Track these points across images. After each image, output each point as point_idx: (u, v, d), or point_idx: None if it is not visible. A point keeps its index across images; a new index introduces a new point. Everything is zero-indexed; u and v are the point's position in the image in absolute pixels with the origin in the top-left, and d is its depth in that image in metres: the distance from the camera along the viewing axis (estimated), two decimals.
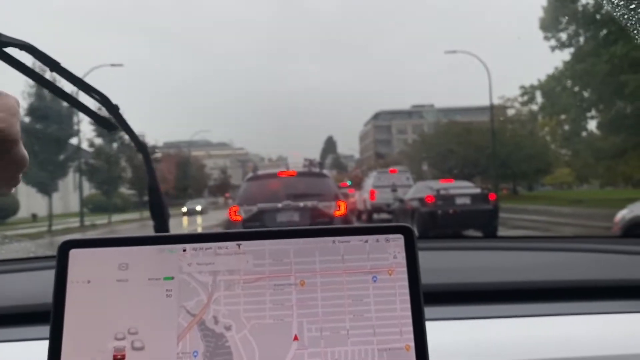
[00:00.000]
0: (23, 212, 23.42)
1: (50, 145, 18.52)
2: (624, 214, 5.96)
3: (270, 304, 0.60)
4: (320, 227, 0.63)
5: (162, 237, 0.62)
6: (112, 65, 22.80)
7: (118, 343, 0.58)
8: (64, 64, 0.73)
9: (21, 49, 0.66)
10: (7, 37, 0.64)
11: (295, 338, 0.59)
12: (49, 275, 0.67)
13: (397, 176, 17.53)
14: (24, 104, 18.85)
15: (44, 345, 0.59)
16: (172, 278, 0.60)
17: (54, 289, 0.59)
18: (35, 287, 0.81)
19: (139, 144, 0.84)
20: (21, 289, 0.83)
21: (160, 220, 0.84)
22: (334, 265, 0.62)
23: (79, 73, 0.76)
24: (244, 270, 0.61)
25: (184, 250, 0.61)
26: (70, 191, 27.55)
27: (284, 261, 0.62)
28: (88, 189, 25.03)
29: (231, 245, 0.62)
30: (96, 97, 0.79)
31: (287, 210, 6.83)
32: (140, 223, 20.85)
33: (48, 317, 0.61)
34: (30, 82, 19.01)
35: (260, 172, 7.83)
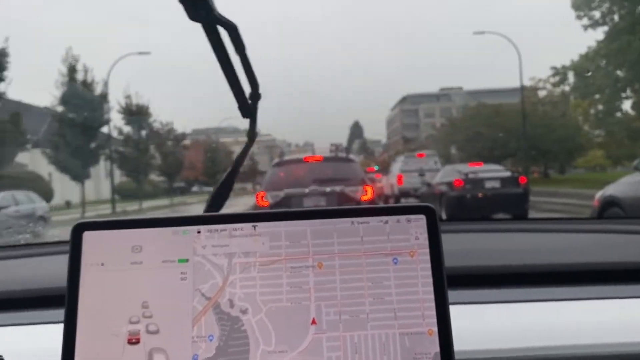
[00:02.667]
0: (57, 199, 23.99)
1: (82, 134, 18.86)
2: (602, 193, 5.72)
3: (287, 286, 0.58)
4: (338, 207, 0.61)
5: (176, 219, 0.60)
6: (140, 53, 23.03)
7: (133, 326, 0.57)
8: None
9: (224, 27, 0.78)
10: (219, 14, 0.76)
11: (313, 322, 0.57)
12: (64, 259, 0.67)
13: (425, 160, 17.35)
14: (57, 94, 19.23)
15: (59, 328, 0.58)
16: (187, 260, 0.59)
17: (68, 272, 0.59)
18: (50, 270, 0.80)
19: (252, 133, 0.90)
20: (36, 273, 0.83)
21: (219, 202, 0.85)
22: (353, 247, 0.59)
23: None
24: (259, 252, 0.59)
25: (199, 232, 0.60)
26: (102, 178, 28.10)
27: (301, 243, 0.59)
28: (119, 176, 25.48)
29: (246, 226, 0.60)
30: (254, 85, 0.86)
31: (313, 195, 6.82)
32: (170, 209, 21.13)
33: (63, 300, 0.60)
34: (63, 71, 19.37)
35: (286, 158, 7.83)
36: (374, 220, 0.60)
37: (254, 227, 0.60)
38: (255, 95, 0.88)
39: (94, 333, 0.57)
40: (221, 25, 0.78)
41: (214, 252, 0.59)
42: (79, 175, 19.49)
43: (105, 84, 20.39)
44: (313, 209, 0.61)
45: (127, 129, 23.40)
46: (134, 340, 0.57)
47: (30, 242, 1.01)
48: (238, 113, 0.87)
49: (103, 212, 19.61)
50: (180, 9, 0.75)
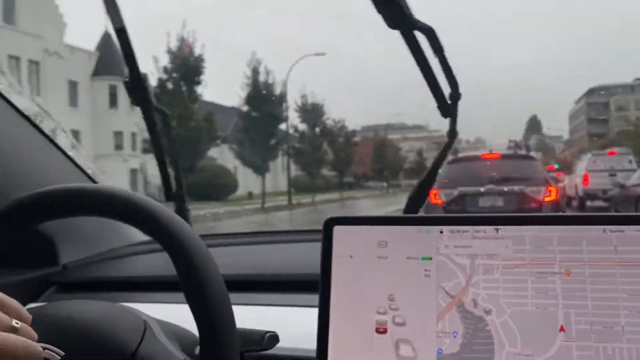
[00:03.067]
0: (241, 190, 26.23)
1: (263, 131, 20.41)
2: None
3: (532, 291, 0.58)
4: (586, 214, 0.59)
5: (420, 218, 0.63)
6: (316, 54, 24.18)
7: (380, 317, 0.61)
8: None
9: (422, 32, 0.81)
10: (416, 19, 0.79)
11: (562, 329, 0.56)
12: (312, 247, 0.74)
13: (617, 159, 15.60)
14: (242, 94, 21.05)
15: (311, 311, 0.65)
16: (430, 258, 0.62)
17: (321, 262, 0.65)
18: (301, 257, 0.89)
19: (453, 132, 0.92)
20: (290, 258, 0.93)
21: (418, 202, 0.88)
22: (606, 256, 0.57)
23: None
24: (502, 255, 0.60)
25: (441, 232, 0.62)
26: (279, 172, 30.12)
27: (547, 249, 0.59)
28: (294, 171, 27.07)
29: (489, 229, 0.61)
30: (453, 85, 0.88)
31: (490, 194, 6.55)
32: (340, 203, 21.95)
33: (312, 285, 0.67)
34: (248, 73, 21.19)
35: (461, 155, 7.63)
36: (630, 230, 0.57)
37: (497, 230, 0.61)
38: (455, 95, 0.88)
39: (345, 319, 0.63)
40: (418, 30, 0.81)
41: (456, 252, 0.61)
42: (260, 169, 21.12)
43: (284, 84, 21.80)
44: (559, 215, 0.60)
45: (302, 126, 24.79)
46: (381, 330, 0.61)
47: (283, 230, 1.13)
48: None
49: (280, 203, 20.99)
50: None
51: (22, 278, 0.99)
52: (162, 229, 0.52)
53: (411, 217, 0.64)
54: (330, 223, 0.66)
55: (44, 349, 0.52)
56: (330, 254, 0.65)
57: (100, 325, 0.54)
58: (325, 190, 27.21)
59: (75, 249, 1.09)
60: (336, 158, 26.48)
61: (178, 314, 0.64)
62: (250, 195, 25.75)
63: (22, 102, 0.95)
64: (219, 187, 22.40)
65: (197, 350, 0.65)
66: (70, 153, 1.04)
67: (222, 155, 27.38)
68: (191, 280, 0.50)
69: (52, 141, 1.01)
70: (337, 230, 0.66)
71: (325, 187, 28.03)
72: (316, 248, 0.68)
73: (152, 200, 0.54)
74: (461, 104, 0.89)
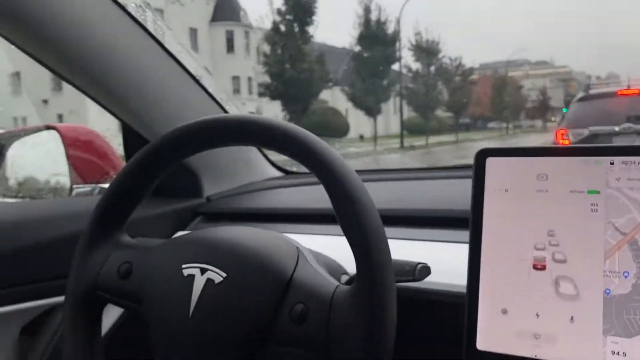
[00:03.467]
0: (352, 133, 26.35)
1: (375, 72, 20.12)
2: None
3: None
4: None
5: (586, 148, 0.58)
6: None
7: (538, 253, 0.58)
8: None
9: None
10: None
11: None
12: (459, 184, 0.71)
13: None
14: (354, 34, 20.77)
15: (463, 248, 0.63)
16: (598, 192, 0.57)
17: (472, 196, 0.62)
18: (451, 193, 0.88)
19: None
20: (438, 195, 0.91)
21: None
22: None
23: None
24: None
25: (612, 164, 0.56)
26: (391, 114, 29.75)
27: None
28: (407, 112, 26.58)
29: None
30: None
31: (627, 134, 5.98)
32: (455, 145, 21.29)
33: (463, 223, 0.64)
34: (359, 12, 20.73)
35: (593, 92, 6.99)
36: None
37: None
38: None
39: (498, 256, 0.60)
40: None
41: (630, 186, 0.55)
42: (372, 111, 21.01)
43: (397, 22, 21.14)
44: None
45: (416, 65, 24.05)
46: (539, 267, 0.58)
47: (431, 167, 1.12)
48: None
49: (392, 146, 20.83)
50: None
51: (172, 208, 1.07)
52: (321, 161, 0.52)
53: (577, 147, 0.58)
54: (483, 154, 0.63)
55: (206, 270, 0.56)
56: (483, 187, 0.62)
57: (258, 250, 0.56)
58: (439, 133, 26.47)
59: (217, 183, 1.15)
60: (452, 98, 25.53)
61: (315, 245, 0.65)
62: (361, 137, 25.80)
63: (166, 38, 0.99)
64: (330, 130, 22.66)
65: (343, 279, 0.67)
66: (210, 90, 1.08)
67: (334, 97, 27.50)
68: (348, 211, 0.50)
69: (194, 78, 1.05)
70: (491, 162, 0.62)
71: (439, 129, 27.25)
72: (466, 184, 0.65)
73: (311, 134, 0.54)
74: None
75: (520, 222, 0.60)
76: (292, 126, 0.55)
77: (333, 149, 0.54)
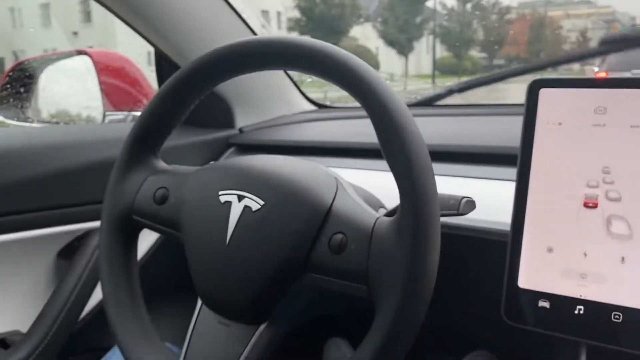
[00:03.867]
0: (382, 72, 25.81)
1: (409, 8, 19.44)
2: None
3: None
4: None
5: None
6: None
7: (590, 190, 0.55)
8: None
9: None
10: None
11: None
12: (514, 120, 0.68)
13: None
14: None
15: (509, 185, 0.60)
16: None
17: (522, 129, 0.59)
18: (503, 129, 0.84)
19: None
20: (486, 130, 0.88)
21: None
22: None
23: None
24: None
25: None
26: (423, 53, 28.92)
27: None
28: (439, 51, 25.82)
29: None
30: None
31: None
32: (489, 87, 20.66)
33: (511, 159, 0.61)
34: None
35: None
36: None
37: None
38: None
39: (546, 192, 0.57)
40: None
41: None
42: (404, 49, 20.46)
43: None
44: None
45: (451, 2, 23.12)
46: (590, 205, 0.55)
47: (482, 104, 1.08)
48: None
49: (423, 86, 20.39)
50: None
51: (205, 138, 1.06)
52: (368, 87, 0.49)
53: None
54: (536, 85, 0.59)
55: (243, 197, 0.54)
56: (534, 120, 0.58)
57: (297, 178, 0.54)
58: (472, 73, 25.72)
59: (250, 114, 1.13)
60: (487, 37, 24.64)
61: (350, 180, 0.63)
62: (391, 77, 25.28)
63: None
64: None
65: (381, 212, 0.65)
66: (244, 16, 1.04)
67: (364, 35, 26.80)
68: (395, 139, 0.47)
69: (227, 2, 1.01)
70: (544, 93, 0.58)
71: (473, 69, 26.45)
72: (516, 121, 0.62)
73: (358, 59, 0.51)
74: None
75: (573, 157, 0.56)
76: (336, 49, 0.51)
77: (380, 75, 0.50)
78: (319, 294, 0.59)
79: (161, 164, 0.64)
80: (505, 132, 0.81)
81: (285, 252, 0.51)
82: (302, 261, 0.51)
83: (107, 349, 0.86)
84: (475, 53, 26.93)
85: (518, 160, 0.59)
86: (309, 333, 1.01)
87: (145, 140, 0.63)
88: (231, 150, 1.07)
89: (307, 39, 0.53)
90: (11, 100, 1.16)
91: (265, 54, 0.55)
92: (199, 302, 0.58)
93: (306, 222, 0.51)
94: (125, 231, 0.62)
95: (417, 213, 0.45)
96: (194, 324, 0.58)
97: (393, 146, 0.47)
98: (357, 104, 0.51)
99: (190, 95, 0.61)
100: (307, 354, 1.11)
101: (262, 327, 0.55)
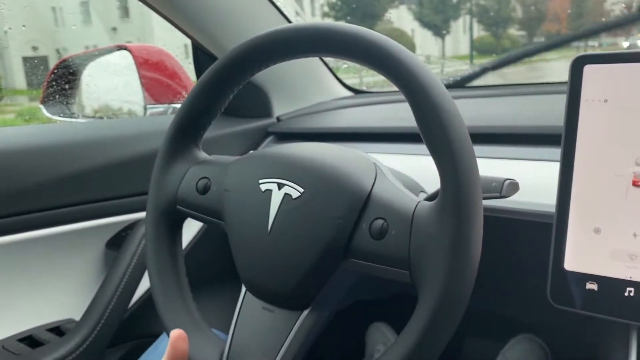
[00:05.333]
0: (419, 54, 25.41)
1: None
2: None
3: None
4: None
5: None
6: None
7: (639, 169, 0.53)
8: None
9: None
10: None
11: None
12: (556, 99, 0.66)
13: None
14: None
15: (554, 166, 0.59)
16: None
17: (566, 107, 0.57)
18: (548, 109, 0.82)
19: None
20: (530, 111, 0.86)
21: None
22: None
23: None
24: None
25: None
26: (460, 34, 28.30)
27: None
28: (477, 31, 25.20)
29: None
30: None
31: None
32: (529, 66, 20.09)
33: (556, 139, 0.60)
34: None
35: None
36: None
37: None
38: None
39: (592, 171, 0.56)
40: None
41: None
42: (440, 30, 20.08)
43: None
44: None
45: None
46: (639, 183, 0.53)
47: (523, 83, 1.05)
48: None
49: (460, 67, 19.98)
50: None
51: (243, 128, 1.07)
52: (406, 69, 0.48)
53: None
54: (580, 61, 0.57)
55: (283, 185, 0.55)
56: (579, 98, 0.57)
57: (336, 165, 0.54)
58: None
59: (287, 103, 1.14)
60: (526, 14, 23.89)
61: (390, 165, 0.62)
62: (427, 58, 24.86)
63: None
64: None
65: (421, 196, 0.64)
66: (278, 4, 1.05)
67: (400, 17, 26.41)
68: (434, 122, 0.46)
69: None
70: (589, 69, 0.56)
71: (512, 48, 25.77)
72: (559, 99, 0.60)
73: (394, 42, 0.50)
74: None
75: (620, 135, 0.54)
76: (371, 32, 0.51)
77: (417, 57, 0.50)
78: (360, 279, 0.59)
79: (202, 155, 0.65)
80: (547, 111, 0.79)
81: (326, 238, 0.51)
82: (343, 247, 0.51)
83: (156, 335, 0.89)
84: (513, 31, 26.20)
85: (562, 139, 0.57)
86: (352, 318, 1.02)
87: (186, 132, 0.64)
88: (270, 139, 1.08)
89: (341, 24, 0.53)
90: (57, 97, 1.20)
91: (301, 41, 0.55)
92: (243, 289, 0.59)
93: (346, 208, 0.51)
94: (169, 221, 0.64)
95: (458, 195, 0.45)
96: (239, 311, 0.59)
97: (432, 129, 0.47)
98: (393, 88, 0.51)
99: (229, 85, 0.61)
100: (350, 338, 1.12)
101: (306, 312, 0.55)
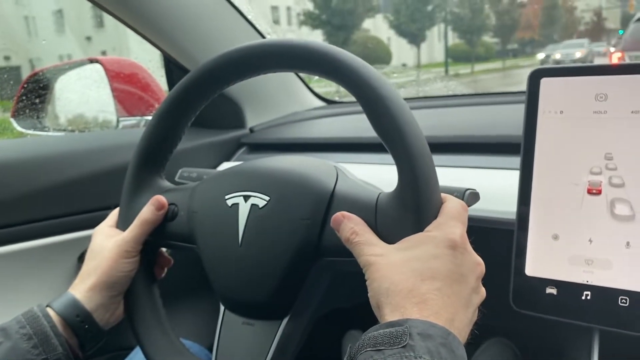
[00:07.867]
0: (395, 62, 25.66)
1: None
2: None
3: None
4: None
5: None
6: None
7: (593, 177, 0.56)
8: None
9: None
10: None
11: None
12: (516, 109, 0.68)
13: None
14: None
15: (514, 174, 0.60)
16: None
17: (524, 118, 0.59)
18: (503, 119, 0.84)
19: None
20: (488, 120, 0.88)
21: None
22: None
23: None
24: None
25: None
26: (435, 41, 28.66)
27: None
28: (452, 39, 25.56)
29: None
30: None
31: None
32: (502, 73, 20.44)
33: (514, 148, 0.62)
34: None
35: None
36: None
37: None
38: None
39: (550, 180, 0.58)
40: None
41: None
42: (415, 38, 20.31)
43: None
44: None
45: None
46: (594, 191, 0.56)
47: (483, 92, 1.08)
48: None
49: (435, 75, 20.19)
50: None
51: (216, 139, 1.08)
52: (363, 82, 0.50)
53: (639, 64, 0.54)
54: (537, 74, 0.59)
55: (249, 196, 0.56)
56: (536, 109, 0.59)
57: (298, 171, 0.56)
58: (485, 60, 25.43)
59: (260, 114, 1.15)
60: (499, 22, 24.33)
61: (358, 174, 0.64)
62: (404, 66, 25.12)
63: None
64: (372, 59, 22.09)
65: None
66: (249, 17, 1.06)
67: (376, 26, 26.64)
68: (395, 135, 0.48)
69: (233, 6, 1.03)
70: (545, 82, 0.59)
71: (486, 55, 26.15)
72: (518, 109, 0.62)
73: (356, 57, 0.52)
74: None
75: (576, 145, 0.57)
76: (333, 47, 0.52)
77: (369, 66, 0.51)
78: (336, 284, 0.60)
79: (166, 183, 0.65)
80: (508, 121, 0.81)
81: (296, 241, 0.53)
82: (315, 247, 0.52)
83: (130, 348, 0.89)
84: (487, 39, 26.61)
85: (521, 149, 0.59)
86: (329, 326, 1.03)
87: (151, 160, 0.63)
88: (242, 149, 1.09)
89: (305, 41, 0.54)
90: (27, 111, 1.19)
91: (271, 57, 0.56)
92: (222, 307, 0.60)
93: (312, 209, 0.53)
94: (141, 254, 0.63)
95: (416, 180, 0.47)
96: (220, 328, 0.60)
97: (393, 141, 0.48)
98: None
99: (199, 100, 0.62)
100: (328, 346, 1.13)
101: (285, 321, 0.56)
